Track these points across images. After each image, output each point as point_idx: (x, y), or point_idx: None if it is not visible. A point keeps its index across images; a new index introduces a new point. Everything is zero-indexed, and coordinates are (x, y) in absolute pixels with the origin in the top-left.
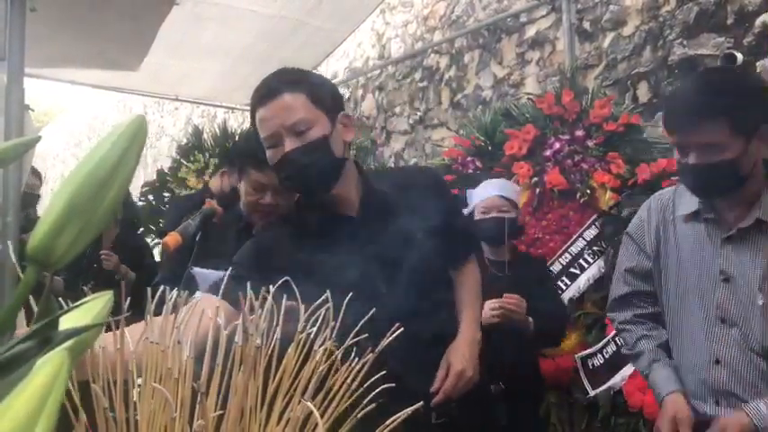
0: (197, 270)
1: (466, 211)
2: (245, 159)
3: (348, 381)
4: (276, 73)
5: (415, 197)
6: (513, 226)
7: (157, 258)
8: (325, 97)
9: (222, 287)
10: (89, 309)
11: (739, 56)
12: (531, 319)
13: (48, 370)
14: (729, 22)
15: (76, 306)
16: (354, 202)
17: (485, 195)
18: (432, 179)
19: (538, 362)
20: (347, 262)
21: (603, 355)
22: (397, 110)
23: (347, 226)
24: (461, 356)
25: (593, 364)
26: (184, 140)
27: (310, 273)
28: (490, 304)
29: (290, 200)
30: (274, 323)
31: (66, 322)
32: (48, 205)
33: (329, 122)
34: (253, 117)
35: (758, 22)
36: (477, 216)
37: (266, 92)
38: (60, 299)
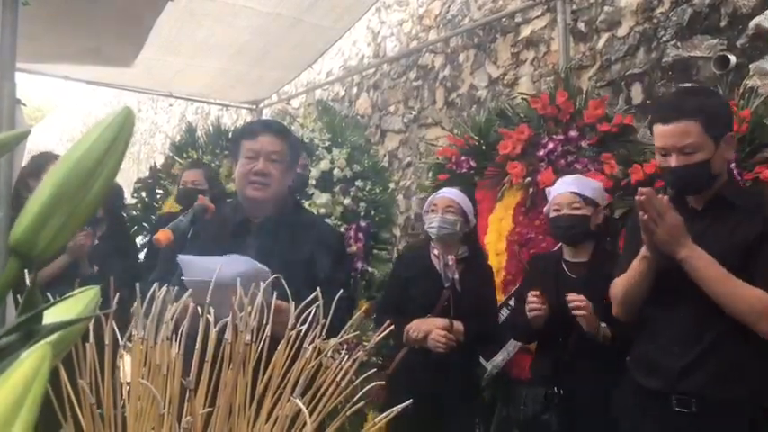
0: (183, 257)
1: (545, 210)
2: (238, 136)
3: (337, 379)
4: (682, 94)
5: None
6: (584, 225)
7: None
8: (719, 124)
9: None
10: (75, 303)
11: (732, 58)
12: (603, 324)
13: (29, 364)
14: (723, 24)
15: (61, 300)
16: (705, 197)
17: (557, 192)
18: None
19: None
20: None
21: None
22: (392, 108)
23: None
24: None
25: None
26: (178, 137)
27: None
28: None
29: (282, 171)
30: (266, 320)
31: (52, 316)
32: (32, 197)
33: (715, 146)
34: (651, 125)
35: (751, 24)
36: (551, 214)
37: (669, 113)
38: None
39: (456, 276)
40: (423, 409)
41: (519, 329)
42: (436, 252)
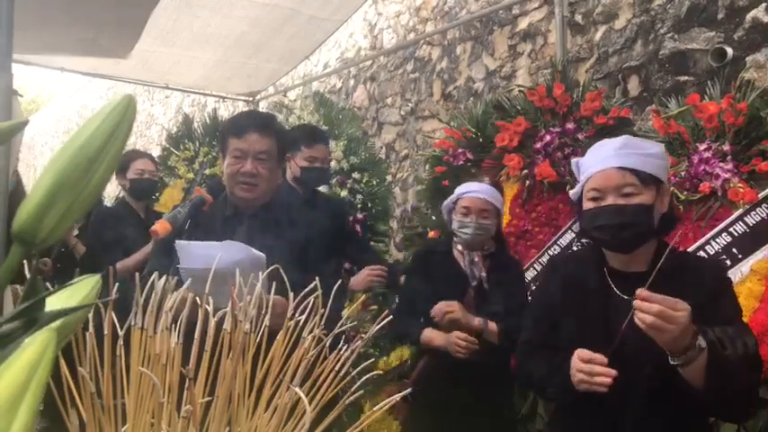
0: (180, 243)
1: (572, 194)
2: (226, 132)
3: (336, 368)
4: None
5: None
6: (644, 217)
7: None
8: None
9: None
10: (76, 290)
11: (729, 51)
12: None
13: (33, 349)
14: (720, 16)
15: (63, 287)
16: None
17: (596, 168)
18: None
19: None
20: None
21: None
22: (389, 101)
23: None
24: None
25: None
26: (174, 129)
27: None
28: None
29: (271, 169)
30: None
31: (54, 303)
32: (35, 183)
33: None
34: None
35: (748, 17)
36: (587, 204)
37: None
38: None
39: (483, 274)
40: (446, 424)
41: (534, 384)
42: (459, 248)
